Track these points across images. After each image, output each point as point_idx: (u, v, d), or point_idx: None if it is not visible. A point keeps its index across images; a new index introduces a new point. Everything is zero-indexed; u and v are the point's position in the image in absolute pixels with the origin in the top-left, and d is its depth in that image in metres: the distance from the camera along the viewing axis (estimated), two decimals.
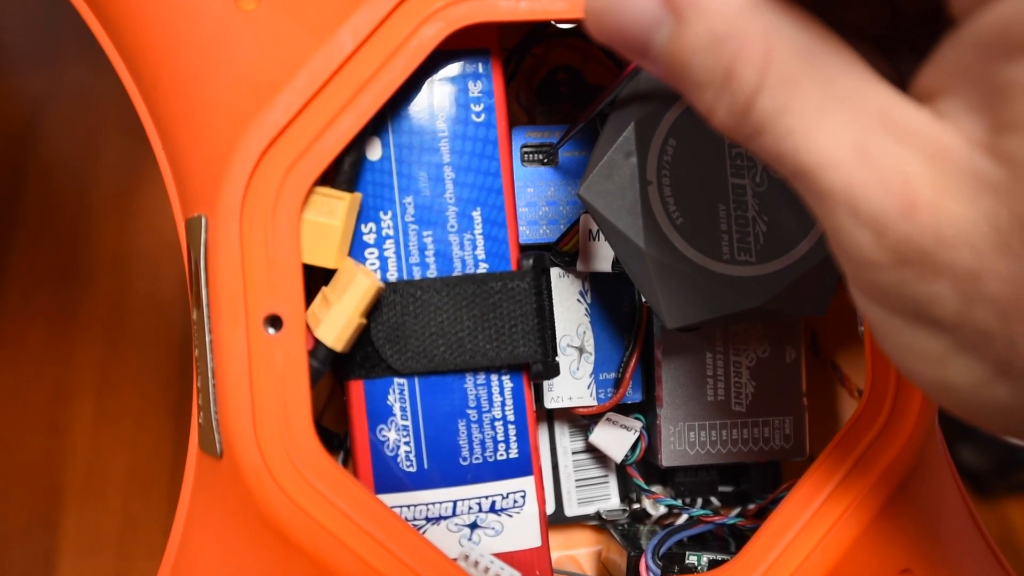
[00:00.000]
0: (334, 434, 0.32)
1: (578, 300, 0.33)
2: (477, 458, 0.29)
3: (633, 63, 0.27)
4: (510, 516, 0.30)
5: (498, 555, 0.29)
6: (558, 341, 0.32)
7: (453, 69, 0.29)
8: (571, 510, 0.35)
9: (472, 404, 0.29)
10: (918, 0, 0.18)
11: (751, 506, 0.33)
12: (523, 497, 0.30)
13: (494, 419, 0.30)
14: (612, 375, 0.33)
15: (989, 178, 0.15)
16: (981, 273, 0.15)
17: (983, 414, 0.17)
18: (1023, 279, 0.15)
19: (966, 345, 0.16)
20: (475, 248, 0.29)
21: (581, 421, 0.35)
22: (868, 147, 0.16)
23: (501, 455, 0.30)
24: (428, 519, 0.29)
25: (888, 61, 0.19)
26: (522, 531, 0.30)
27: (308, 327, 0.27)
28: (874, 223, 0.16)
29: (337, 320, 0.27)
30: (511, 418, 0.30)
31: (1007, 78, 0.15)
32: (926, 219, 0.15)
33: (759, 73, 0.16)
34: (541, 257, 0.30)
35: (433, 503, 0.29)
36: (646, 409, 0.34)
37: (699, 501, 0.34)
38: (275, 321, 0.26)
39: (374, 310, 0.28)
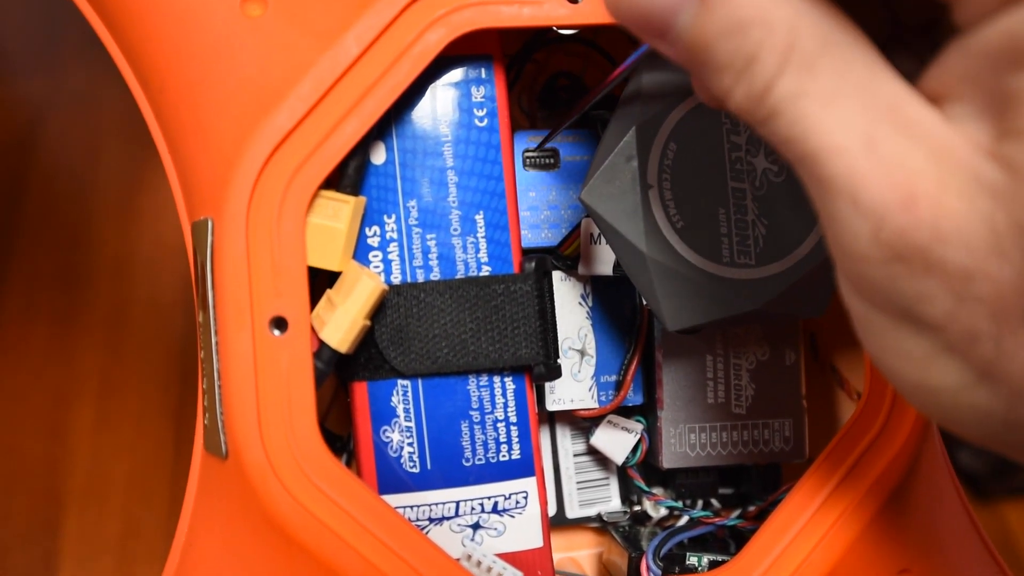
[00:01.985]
0: (338, 436, 0.33)
1: (580, 303, 0.33)
2: (480, 459, 0.30)
3: (624, 65, 0.27)
4: (512, 517, 0.30)
5: (500, 555, 0.29)
6: (560, 344, 0.33)
7: (456, 74, 0.29)
8: (572, 512, 0.36)
9: (475, 405, 0.30)
10: (918, 10, 0.19)
11: (751, 508, 0.34)
12: (525, 498, 0.30)
13: (496, 420, 0.30)
14: (613, 378, 0.33)
15: (990, 181, 0.15)
16: (974, 273, 0.16)
17: (961, 419, 0.17)
18: (1014, 282, 0.15)
19: (951, 346, 0.16)
20: (478, 251, 0.29)
21: (582, 423, 0.35)
22: (875, 137, 0.16)
23: (503, 456, 0.30)
24: (431, 519, 0.30)
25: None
26: (524, 532, 0.30)
27: (313, 329, 0.27)
28: (873, 213, 0.16)
29: (341, 322, 0.27)
30: (513, 419, 0.30)
31: (1015, 87, 0.15)
32: (924, 213, 0.16)
33: (781, 59, 0.16)
34: (543, 260, 0.30)
35: (436, 504, 0.29)
36: (647, 411, 0.34)
37: (699, 503, 0.35)
38: (280, 323, 0.26)
39: (378, 312, 0.28)
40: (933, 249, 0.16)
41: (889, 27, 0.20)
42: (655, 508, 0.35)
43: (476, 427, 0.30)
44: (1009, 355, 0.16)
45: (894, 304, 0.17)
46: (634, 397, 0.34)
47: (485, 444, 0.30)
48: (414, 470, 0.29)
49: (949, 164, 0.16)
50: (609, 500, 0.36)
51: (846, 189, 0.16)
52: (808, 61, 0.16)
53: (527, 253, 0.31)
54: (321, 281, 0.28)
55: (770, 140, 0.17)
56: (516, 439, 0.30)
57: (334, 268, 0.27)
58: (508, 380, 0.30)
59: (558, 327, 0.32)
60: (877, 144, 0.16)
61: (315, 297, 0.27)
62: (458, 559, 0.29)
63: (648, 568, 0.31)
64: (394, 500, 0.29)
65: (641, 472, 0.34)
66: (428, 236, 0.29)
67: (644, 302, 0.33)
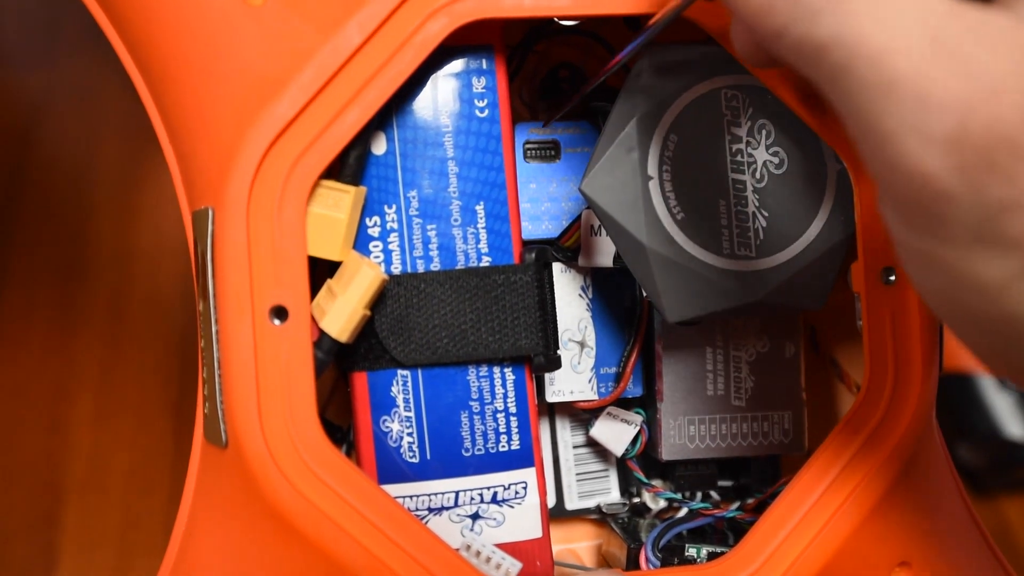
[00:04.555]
0: (337, 427, 0.33)
1: (579, 295, 0.33)
2: (479, 449, 0.30)
3: (625, 51, 0.27)
4: (511, 507, 0.30)
5: (499, 545, 0.29)
6: (560, 335, 0.33)
7: (457, 65, 0.29)
8: (572, 504, 0.36)
9: (474, 396, 0.30)
10: None
11: (750, 500, 0.34)
12: (524, 488, 0.30)
13: (496, 411, 0.30)
14: (613, 369, 0.33)
15: None
16: None
17: None
18: None
19: None
20: (478, 242, 0.29)
21: (582, 415, 0.35)
22: (941, 37, 0.15)
23: (503, 446, 0.30)
24: (430, 509, 0.30)
25: None
26: (523, 522, 0.30)
27: (313, 318, 0.27)
28: (951, 109, 0.15)
29: (342, 311, 0.27)
30: (513, 410, 0.30)
31: None
32: (1011, 99, 0.15)
33: None
34: (543, 251, 0.30)
35: (435, 494, 0.29)
36: (646, 403, 0.34)
37: (699, 495, 0.35)
38: (281, 312, 0.26)
39: (378, 302, 0.28)
40: None
41: None
42: (654, 500, 0.35)
43: (476, 417, 0.30)
44: None
45: (969, 223, 0.15)
46: (634, 389, 0.34)
47: (484, 434, 0.30)
48: (414, 460, 0.29)
49: None
50: (608, 492, 0.36)
51: (912, 90, 0.15)
52: None
53: (527, 244, 0.31)
54: (321, 271, 0.28)
55: (801, 49, 0.16)
56: (515, 430, 0.30)
57: (334, 258, 0.27)
58: (508, 371, 0.30)
59: (558, 319, 0.32)
60: (945, 43, 0.15)
61: (315, 287, 0.27)
62: (457, 549, 0.29)
63: (647, 559, 0.31)
64: (393, 490, 0.29)
65: (640, 464, 0.34)
66: (428, 226, 0.29)
67: (644, 294, 0.33)
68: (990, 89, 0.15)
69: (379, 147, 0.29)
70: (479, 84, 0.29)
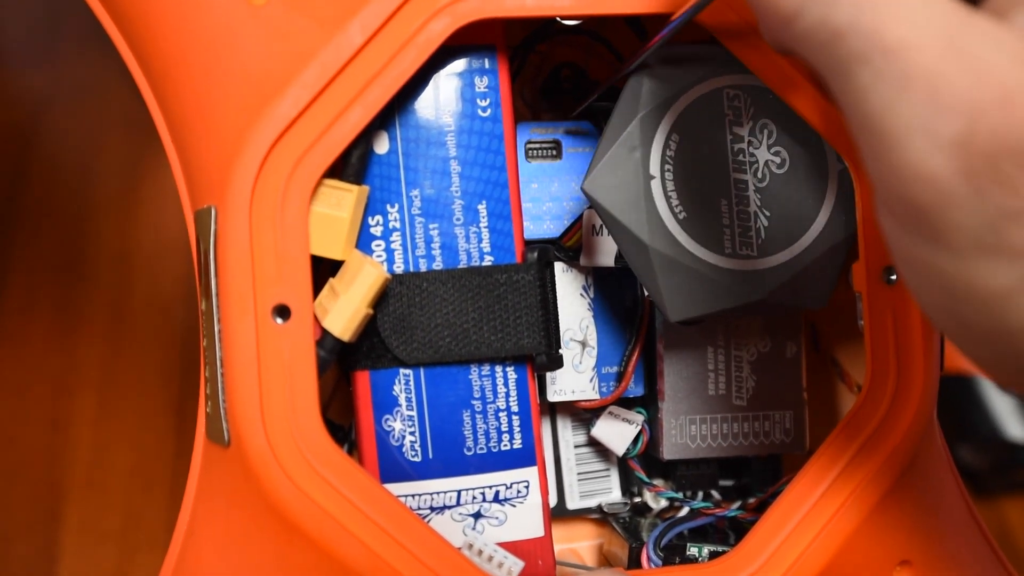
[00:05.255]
0: (339, 426, 0.33)
1: (581, 295, 0.33)
2: (481, 448, 0.30)
3: (632, 60, 0.27)
4: (513, 506, 0.30)
5: (501, 544, 0.29)
6: (561, 335, 0.33)
7: (459, 64, 0.29)
8: (573, 503, 0.36)
9: (477, 395, 0.30)
10: None
11: (751, 499, 0.34)
12: (527, 487, 0.30)
13: (498, 410, 0.30)
14: (614, 369, 0.34)
15: None
16: None
17: None
18: None
19: None
20: (480, 241, 0.29)
21: (583, 415, 0.35)
22: (957, 39, 0.15)
23: (505, 445, 0.30)
24: (432, 508, 0.30)
25: None
26: (525, 521, 0.30)
27: (316, 317, 0.27)
28: (961, 112, 0.15)
29: (344, 310, 0.27)
30: (515, 409, 0.30)
31: None
32: (1022, 112, 0.14)
33: None
34: (546, 250, 0.30)
35: (437, 492, 0.30)
36: (648, 403, 0.34)
37: (700, 494, 0.35)
38: (283, 311, 0.26)
39: (380, 301, 0.28)
40: None
41: None
42: (655, 499, 0.35)
43: (478, 416, 0.30)
44: None
45: (970, 230, 0.15)
46: (635, 388, 0.34)
47: (487, 433, 0.30)
48: (416, 459, 0.29)
49: None
50: (610, 491, 0.36)
51: (924, 88, 0.15)
52: None
53: (529, 244, 0.31)
54: (324, 270, 0.28)
55: (816, 34, 0.16)
56: (518, 428, 0.30)
57: (337, 257, 0.27)
58: (510, 370, 0.30)
59: (560, 318, 0.32)
60: (961, 45, 0.15)
61: (318, 286, 0.27)
62: (459, 548, 0.29)
63: (649, 558, 0.32)
64: (396, 489, 0.29)
65: (642, 463, 0.34)
66: (431, 225, 0.29)
67: (646, 293, 0.33)
68: (1001, 95, 0.15)
69: (381, 146, 0.29)
70: (481, 84, 0.29)
